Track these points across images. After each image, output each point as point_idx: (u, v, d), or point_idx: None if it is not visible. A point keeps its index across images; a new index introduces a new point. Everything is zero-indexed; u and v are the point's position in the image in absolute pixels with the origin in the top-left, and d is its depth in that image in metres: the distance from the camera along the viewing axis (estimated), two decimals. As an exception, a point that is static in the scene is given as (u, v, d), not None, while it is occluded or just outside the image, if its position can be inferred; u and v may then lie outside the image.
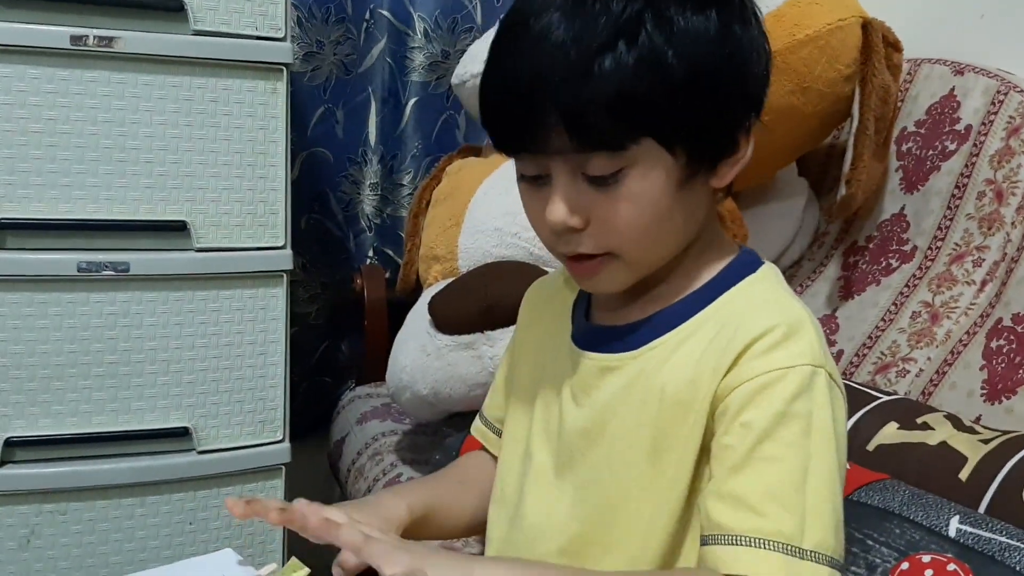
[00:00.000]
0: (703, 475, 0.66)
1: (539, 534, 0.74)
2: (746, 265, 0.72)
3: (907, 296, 1.37)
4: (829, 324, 1.44)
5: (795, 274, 1.57)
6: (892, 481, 0.92)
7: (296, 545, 1.54)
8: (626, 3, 0.61)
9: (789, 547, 0.60)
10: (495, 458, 0.85)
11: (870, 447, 1.03)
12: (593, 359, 0.73)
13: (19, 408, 1.29)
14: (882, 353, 1.34)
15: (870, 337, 1.38)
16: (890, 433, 1.04)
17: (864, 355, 1.36)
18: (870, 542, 0.83)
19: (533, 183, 0.68)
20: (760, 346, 0.64)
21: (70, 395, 1.31)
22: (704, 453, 0.66)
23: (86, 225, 1.29)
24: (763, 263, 0.73)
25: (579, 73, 0.60)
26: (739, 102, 0.66)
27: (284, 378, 1.43)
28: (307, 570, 0.80)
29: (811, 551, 0.60)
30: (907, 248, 1.41)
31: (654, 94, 0.61)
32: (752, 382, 0.63)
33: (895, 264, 1.42)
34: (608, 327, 0.74)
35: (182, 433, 1.36)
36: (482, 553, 0.86)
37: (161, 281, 1.33)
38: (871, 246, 1.47)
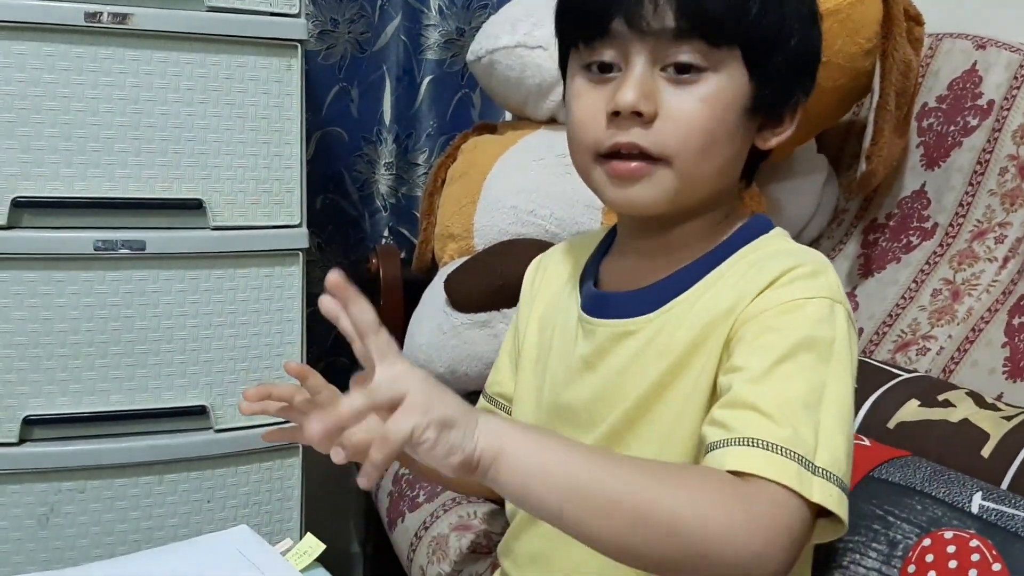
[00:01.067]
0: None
1: None
2: (759, 227, 0.73)
3: (928, 274, 1.35)
4: (849, 302, 1.43)
5: (814, 252, 1.56)
6: (913, 458, 0.91)
7: (312, 522, 1.54)
8: None
9: (803, 459, 0.58)
10: None
11: (891, 424, 1.03)
12: (608, 325, 0.72)
13: (37, 386, 1.29)
14: (902, 331, 1.33)
15: (890, 315, 1.36)
16: (911, 410, 1.04)
17: (884, 333, 1.35)
18: (891, 518, 0.82)
19: (597, 77, 0.68)
20: (785, 279, 0.65)
21: (87, 373, 1.31)
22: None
23: (102, 203, 1.29)
24: (775, 227, 0.74)
25: None
26: (805, 70, 0.70)
27: (301, 357, 1.43)
28: (322, 546, 0.81)
29: (823, 468, 0.59)
30: (928, 225, 1.39)
31: (759, 13, 0.64)
32: (774, 308, 0.64)
33: (916, 241, 1.40)
34: (621, 293, 0.73)
35: (199, 411, 1.37)
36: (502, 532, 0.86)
37: (177, 259, 1.33)
38: (891, 223, 1.46)
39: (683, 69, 0.65)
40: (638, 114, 0.65)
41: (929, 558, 0.78)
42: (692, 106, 0.65)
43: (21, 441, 1.29)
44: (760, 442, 0.59)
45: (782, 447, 0.58)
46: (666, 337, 0.69)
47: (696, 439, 0.66)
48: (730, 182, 0.72)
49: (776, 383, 0.61)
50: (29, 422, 1.29)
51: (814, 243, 1.57)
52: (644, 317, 0.71)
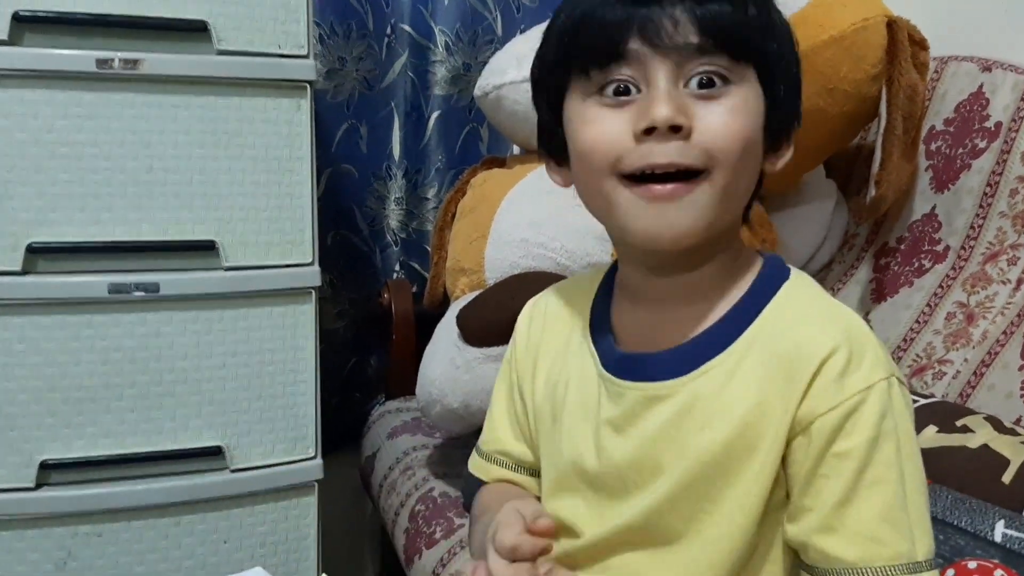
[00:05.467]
0: (773, 501, 0.66)
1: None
2: (775, 275, 0.70)
3: (941, 297, 1.35)
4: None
5: (825, 277, 1.55)
6: (934, 486, 0.90)
7: (328, 561, 1.54)
8: None
9: (909, 566, 0.61)
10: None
11: (909, 451, 1.02)
12: (637, 388, 0.69)
13: (53, 430, 1.30)
14: (917, 356, 1.33)
15: (905, 340, 1.36)
16: (929, 437, 1.03)
17: (899, 358, 1.35)
18: (913, 549, 0.81)
19: (612, 101, 0.64)
20: (831, 369, 0.63)
21: (103, 416, 1.32)
22: (777, 482, 0.65)
23: (116, 247, 1.30)
24: (791, 269, 0.72)
25: None
26: (799, 96, 0.70)
27: (315, 394, 1.43)
28: (339, 587, 0.80)
29: (925, 561, 0.62)
30: (939, 248, 1.39)
31: (768, 33, 0.66)
32: (836, 410, 0.62)
33: (928, 265, 1.40)
34: (645, 354, 0.70)
35: (215, 452, 1.37)
36: None
37: (191, 301, 1.34)
38: (902, 247, 1.46)
39: (707, 83, 0.63)
40: (675, 129, 0.62)
41: (953, 588, 0.77)
42: (724, 118, 0.63)
43: (38, 486, 1.29)
44: (872, 570, 0.61)
45: (891, 566, 0.61)
46: (707, 407, 0.66)
47: (754, 532, 0.66)
48: (740, 212, 0.70)
49: (865, 494, 0.62)
50: (46, 466, 1.29)
51: (825, 268, 1.57)
52: (676, 380, 0.68)
